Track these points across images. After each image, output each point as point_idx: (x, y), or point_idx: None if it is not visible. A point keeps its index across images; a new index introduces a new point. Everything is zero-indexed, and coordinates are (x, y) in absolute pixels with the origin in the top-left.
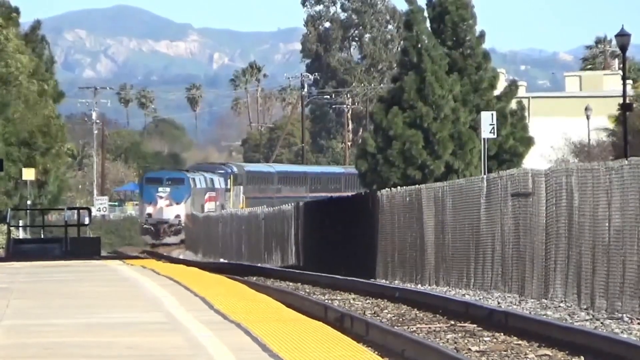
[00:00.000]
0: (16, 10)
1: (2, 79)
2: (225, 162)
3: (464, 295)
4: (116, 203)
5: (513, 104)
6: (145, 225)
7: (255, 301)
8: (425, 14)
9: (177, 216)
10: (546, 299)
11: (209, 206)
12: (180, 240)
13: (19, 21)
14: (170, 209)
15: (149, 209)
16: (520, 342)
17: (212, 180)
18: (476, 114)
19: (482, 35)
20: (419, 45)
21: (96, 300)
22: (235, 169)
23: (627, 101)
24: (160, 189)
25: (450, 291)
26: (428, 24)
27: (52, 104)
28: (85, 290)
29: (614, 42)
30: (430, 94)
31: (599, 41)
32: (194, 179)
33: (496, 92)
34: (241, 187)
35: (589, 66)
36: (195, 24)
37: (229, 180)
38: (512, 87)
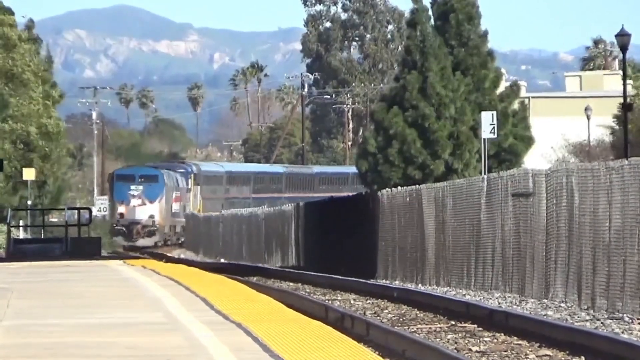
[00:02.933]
0: (9, 10)
1: (6, 75)
2: (184, 161)
3: (464, 295)
4: None
5: (515, 105)
6: (116, 227)
7: (255, 301)
8: (430, 12)
9: (151, 216)
10: (547, 299)
11: (175, 207)
12: (154, 242)
13: (14, 20)
14: (143, 209)
15: (121, 209)
16: (520, 342)
17: (177, 179)
18: (479, 114)
19: (485, 34)
20: (423, 45)
21: (96, 300)
22: (194, 169)
23: (628, 101)
24: (132, 186)
25: (450, 291)
26: (432, 22)
27: (54, 109)
28: (86, 290)
29: (612, 42)
30: (433, 93)
31: (596, 43)
32: (167, 176)
33: (497, 92)
34: (199, 187)
35: (589, 67)
36: (196, 24)
37: (189, 180)
38: (514, 87)
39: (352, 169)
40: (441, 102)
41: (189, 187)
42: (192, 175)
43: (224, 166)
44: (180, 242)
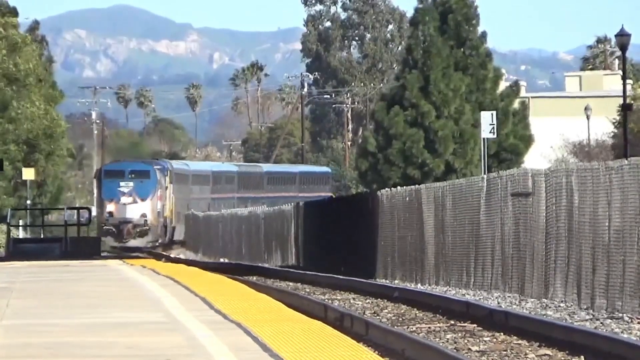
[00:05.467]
0: (15, 10)
1: (9, 77)
2: (158, 158)
3: (464, 295)
4: None
5: (515, 104)
6: (105, 227)
7: (255, 301)
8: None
9: (143, 215)
10: (546, 298)
11: (159, 206)
12: (146, 242)
13: (18, 21)
14: (134, 207)
15: (110, 207)
16: (520, 341)
17: (162, 176)
18: (479, 113)
19: (484, 35)
20: (425, 44)
21: (96, 300)
22: (169, 166)
23: (627, 101)
24: (122, 183)
25: (450, 291)
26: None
27: (55, 109)
28: (85, 290)
29: (614, 41)
30: (435, 92)
31: (599, 41)
32: (159, 172)
33: (498, 92)
34: (172, 185)
35: (590, 66)
36: (195, 24)
37: (167, 178)
38: (514, 87)
39: (301, 168)
40: (444, 99)
41: (166, 185)
42: (169, 172)
43: (189, 165)
44: (158, 242)
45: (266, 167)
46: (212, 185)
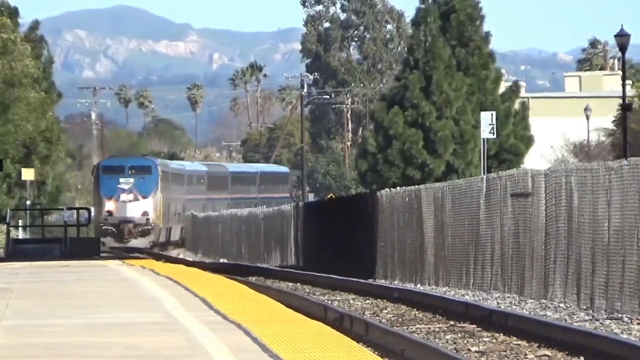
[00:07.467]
0: (15, 10)
1: (6, 81)
2: (146, 155)
3: (463, 295)
4: None
5: (516, 105)
6: (104, 227)
7: (255, 301)
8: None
9: (145, 213)
10: (546, 299)
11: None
12: (149, 242)
13: (18, 21)
14: (135, 205)
15: (109, 205)
16: (519, 342)
17: None
18: (480, 113)
19: (487, 35)
20: (426, 44)
21: (96, 300)
22: (159, 163)
23: (627, 101)
24: (122, 179)
25: (449, 291)
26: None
27: (52, 110)
28: (85, 290)
29: (610, 42)
30: (437, 92)
31: (593, 43)
32: (162, 168)
33: (498, 92)
34: (160, 184)
35: (586, 68)
36: (195, 24)
37: (159, 176)
38: (514, 87)
39: (261, 168)
40: (446, 99)
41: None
42: (160, 170)
43: (169, 164)
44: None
45: (232, 167)
46: (186, 185)
